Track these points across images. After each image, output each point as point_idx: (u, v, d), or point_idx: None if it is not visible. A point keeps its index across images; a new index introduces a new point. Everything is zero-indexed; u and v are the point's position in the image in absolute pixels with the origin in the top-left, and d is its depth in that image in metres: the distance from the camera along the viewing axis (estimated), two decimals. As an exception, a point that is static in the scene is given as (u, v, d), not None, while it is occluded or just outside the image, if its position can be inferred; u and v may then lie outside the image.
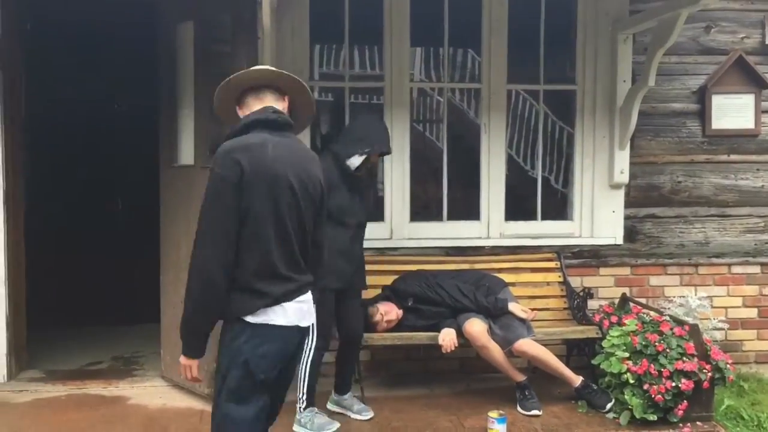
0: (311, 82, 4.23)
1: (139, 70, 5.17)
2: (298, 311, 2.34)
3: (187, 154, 3.95)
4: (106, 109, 6.15)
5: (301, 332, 2.39)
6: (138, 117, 5.52)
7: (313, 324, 2.52)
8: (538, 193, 4.49)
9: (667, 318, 3.75)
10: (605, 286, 4.46)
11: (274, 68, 2.46)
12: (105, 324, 5.12)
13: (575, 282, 4.32)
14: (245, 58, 3.70)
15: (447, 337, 3.71)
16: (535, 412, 3.66)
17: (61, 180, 5.96)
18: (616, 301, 4.16)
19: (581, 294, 4.12)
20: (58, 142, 5.81)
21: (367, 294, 4.02)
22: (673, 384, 3.45)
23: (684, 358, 3.50)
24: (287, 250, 2.30)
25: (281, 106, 2.43)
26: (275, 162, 2.28)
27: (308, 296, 2.40)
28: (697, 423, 3.55)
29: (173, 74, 3.99)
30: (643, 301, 4.22)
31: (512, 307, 3.81)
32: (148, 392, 3.93)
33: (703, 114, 4.43)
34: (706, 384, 3.51)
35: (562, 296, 4.26)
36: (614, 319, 3.89)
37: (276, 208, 2.27)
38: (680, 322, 3.71)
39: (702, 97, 4.42)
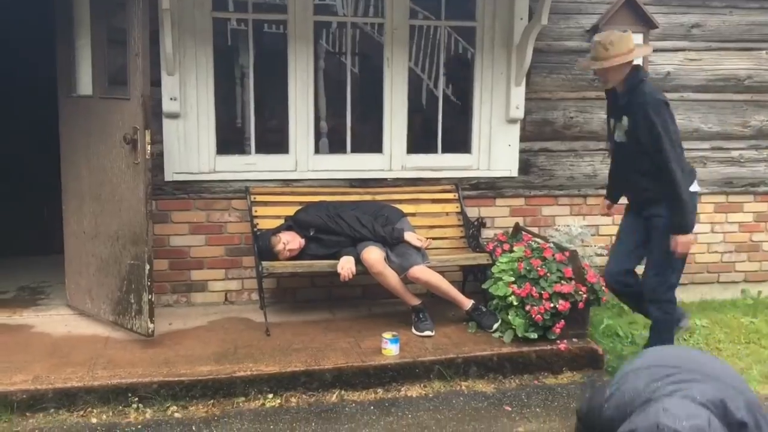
0: (215, 12, 4.21)
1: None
2: None
3: (85, 85, 3.92)
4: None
5: None
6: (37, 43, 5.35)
7: None
8: (439, 126, 4.65)
9: (551, 245, 4.03)
10: (501, 216, 4.71)
11: None
12: (13, 254, 5.10)
13: (473, 212, 4.55)
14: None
15: (345, 266, 3.89)
16: (427, 333, 3.92)
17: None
18: (510, 230, 4.42)
19: (475, 224, 4.36)
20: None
21: (271, 224, 4.17)
22: (552, 305, 3.74)
23: (562, 282, 3.80)
24: None
25: None
26: None
27: None
28: (573, 339, 3.88)
29: (68, 2, 3.91)
30: (535, 230, 4.50)
31: (408, 236, 4.01)
32: (53, 320, 4.00)
33: (594, 52, 4.63)
34: (581, 305, 3.83)
35: (459, 226, 4.49)
36: (506, 247, 4.16)
37: None
38: (561, 249, 3.99)
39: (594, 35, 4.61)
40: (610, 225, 4.83)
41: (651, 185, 3.52)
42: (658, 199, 3.51)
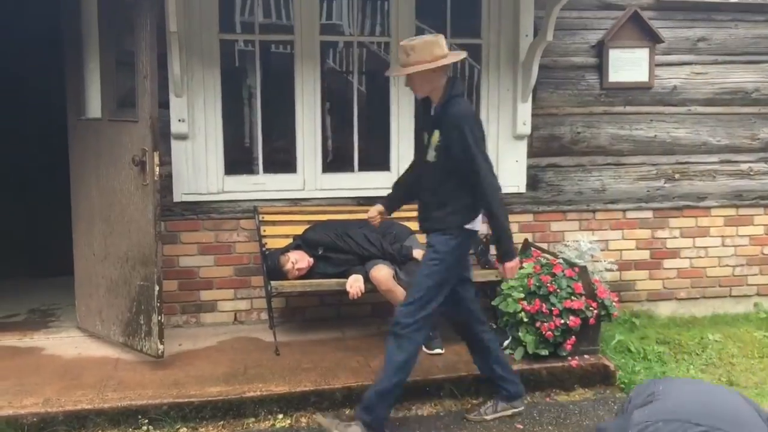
0: (222, 34, 4.25)
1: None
2: None
3: (94, 108, 3.96)
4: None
5: None
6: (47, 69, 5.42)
7: None
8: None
9: (560, 261, 4.01)
10: (510, 232, 4.69)
11: None
12: (24, 276, 5.12)
13: (482, 228, 4.53)
14: (150, 9, 3.71)
15: (354, 284, 3.89)
16: (437, 350, 3.90)
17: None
18: (519, 246, 4.40)
19: (484, 240, 4.35)
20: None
21: (280, 243, 4.17)
22: (562, 321, 3.72)
23: (572, 297, 3.78)
24: None
25: None
26: None
27: None
28: (584, 356, 3.85)
29: (77, 26, 3.96)
30: (544, 245, 4.48)
31: (416, 253, 4.00)
32: (64, 342, 4.01)
33: (600, 67, 4.64)
34: (592, 320, 3.81)
35: (468, 242, 4.47)
36: (515, 263, 4.14)
37: None
38: (571, 264, 3.97)
39: (600, 51, 4.63)
40: (619, 240, 4.83)
41: (437, 214, 3.23)
42: (436, 229, 3.25)
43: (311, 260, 4.01)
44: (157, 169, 3.55)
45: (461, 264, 3.33)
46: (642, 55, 4.65)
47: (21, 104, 5.89)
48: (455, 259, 3.24)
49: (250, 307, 4.41)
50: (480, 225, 3.33)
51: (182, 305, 4.32)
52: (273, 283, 3.87)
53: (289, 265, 3.94)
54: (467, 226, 3.23)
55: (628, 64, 4.65)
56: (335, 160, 4.73)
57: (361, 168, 4.56)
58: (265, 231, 4.20)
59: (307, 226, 4.18)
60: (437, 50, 3.12)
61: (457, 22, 4.58)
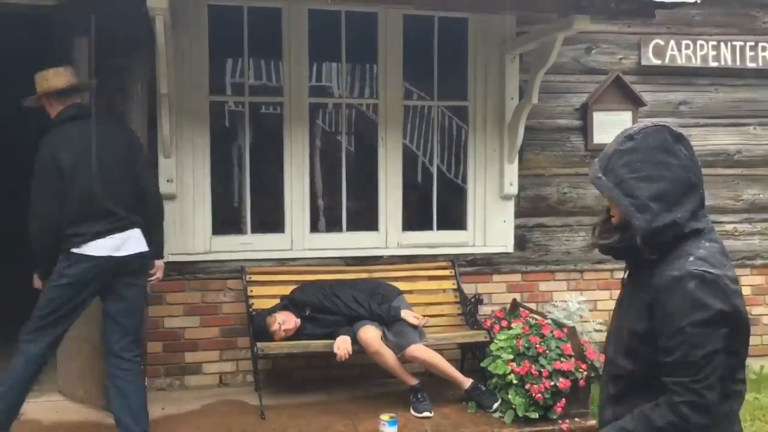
0: (213, 96, 4.30)
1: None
2: None
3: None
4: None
5: None
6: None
7: None
8: (434, 203, 4.68)
9: (549, 321, 3.99)
10: (498, 292, 4.69)
11: None
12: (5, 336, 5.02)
13: (470, 289, 4.53)
14: (142, 72, 3.76)
15: (342, 345, 3.84)
16: (426, 414, 3.83)
17: None
18: (508, 306, 4.39)
19: (472, 300, 4.33)
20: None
21: (267, 303, 4.13)
22: (552, 383, 3.68)
23: (562, 359, 3.74)
24: None
25: None
26: None
27: None
28: (576, 419, 3.79)
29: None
30: (533, 305, 4.47)
31: (404, 314, 3.97)
32: (44, 407, 3.90)
33: (585, 129, 4.73)
34: (582, 382, 3.77)
35: (456, 303, 4.45)
36: (504, 323, 4.12)
37: None
38: (560, 325, 3.95)
39: (584, 113, 4.72)
40: (608, 300, 4.81)
41: None
42: None
43: (298, 321, 3.97)
44: (144, 229, 3.53)
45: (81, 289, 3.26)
46: (625, 117, 4.73)
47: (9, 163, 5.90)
48: (69, 282, 3.23)
49: (236, 369, 4.34)
50: (97, 249, 3.22)
51: (166, 367, 4.24)
52: (259, 344, 3.82)
53: (275, 326, 3.89)
54: (74, 251, 3.21)
55: (612, 126, 4.70)
56: (324, 220, 4.74)
57: (350, 228, 4.56)
58: (252, 291, 4.16)
59: (295, 286, 4.15)
60: (43, 82, 3.29)
61: (444, 85, 4.66)
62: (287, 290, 4.14)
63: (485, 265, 4.67)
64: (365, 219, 4.63)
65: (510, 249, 4.67)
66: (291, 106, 4.37)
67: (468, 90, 4.63)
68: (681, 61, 4.81)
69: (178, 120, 4.13)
